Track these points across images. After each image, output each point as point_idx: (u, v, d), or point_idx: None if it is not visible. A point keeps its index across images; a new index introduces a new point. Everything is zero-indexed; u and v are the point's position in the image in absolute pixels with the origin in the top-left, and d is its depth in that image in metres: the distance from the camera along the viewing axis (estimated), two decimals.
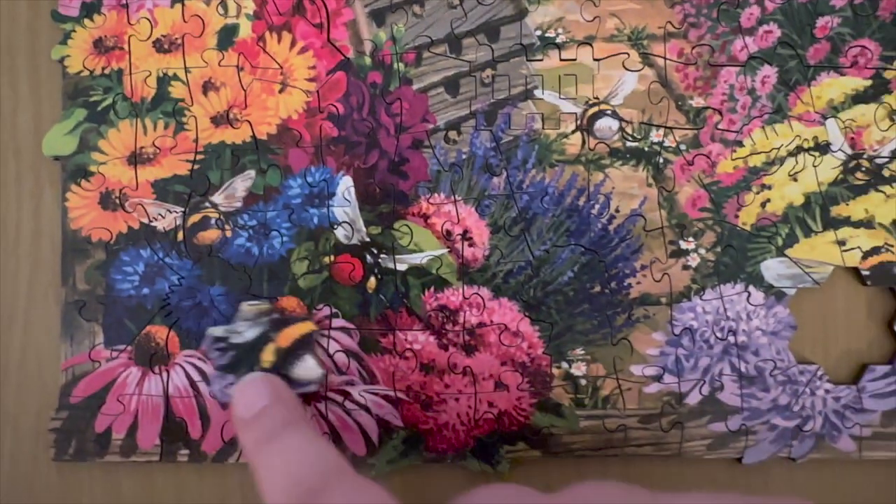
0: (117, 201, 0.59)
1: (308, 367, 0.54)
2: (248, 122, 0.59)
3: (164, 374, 0.58)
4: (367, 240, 0.58)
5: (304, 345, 0.55)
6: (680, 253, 0.59)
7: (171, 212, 0.59)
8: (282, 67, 0.59)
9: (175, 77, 0.59)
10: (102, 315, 0.58)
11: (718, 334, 0.58)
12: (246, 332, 0.54)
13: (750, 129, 0.59)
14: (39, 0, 0.60)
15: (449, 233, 0.59)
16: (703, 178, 0.59)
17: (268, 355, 0.54)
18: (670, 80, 0.59)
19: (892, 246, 0.59)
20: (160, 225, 0.59)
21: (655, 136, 0.59)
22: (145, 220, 0.59)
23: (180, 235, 0.59)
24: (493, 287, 0.59)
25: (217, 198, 0.59)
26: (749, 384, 0.58)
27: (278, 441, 0.46)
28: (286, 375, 0.53)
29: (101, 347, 0.58)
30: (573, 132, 0.59)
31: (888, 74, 0.59)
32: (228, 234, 0.59)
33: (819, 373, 0.58)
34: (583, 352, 0.59)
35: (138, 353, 0.58)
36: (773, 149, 0.59)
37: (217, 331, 0.54)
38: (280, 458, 0.45)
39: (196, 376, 0.58)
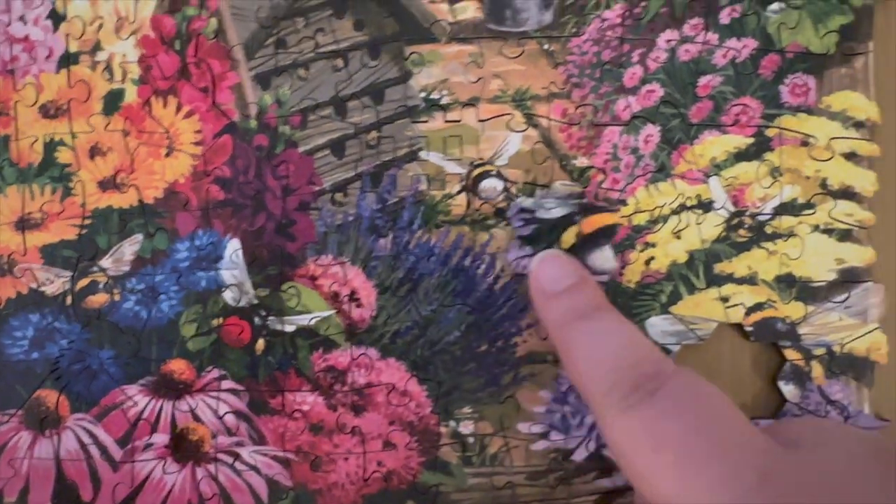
0: (5, 267, 0.59)
1: (605, 258, 0.56)
2: (135, 186, 0.59)
3: (55, 438, 0.58)
4: (256, 302, 0.59)
5: (606, 234, 0.57)
6: None
7: (59, 276, 0.59)
8: (168, 132, 0.59)
9: (62, 142, 0.59)
10: None
11: None
12: (553, 209, 0.56)
13: (633, 187, 0.60)
14: None
15: (336, 294, 0.59)
16: None
17: (569, 237, 0.56)
18: (554, 140, 0.60)
19: (774, 302, 0.60)
20: (49, 290, 0.59)
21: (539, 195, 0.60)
22: (34, 285, 0.59)
23: (69, 300, 0.59)
24: (380, 347, 0.59)
25: (105, 262, 0.59)
26: None
27: (596, 320, 0.47)
28: (582, 261, 0.55)
29: None
30: (458, 193, 0.60)
31: (770, 132, 0.60)
32: (117, 297, 0.59)
33: None
34: (470, 410, 0.59)
35: (28, 417, 0.59)
36: (656, 207, 0.60)
37: (526, 202, 0.56)
38: (602, 337, 0.46)
39: (87, 439, 0.59)
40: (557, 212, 0.57)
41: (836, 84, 0.61)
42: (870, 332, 0.60)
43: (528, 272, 0.53)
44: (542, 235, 0.57)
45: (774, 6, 0.60)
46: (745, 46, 0.60)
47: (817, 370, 0.60)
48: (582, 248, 0.56)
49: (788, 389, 0.60)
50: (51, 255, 0.59)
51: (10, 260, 0.59)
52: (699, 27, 0.60)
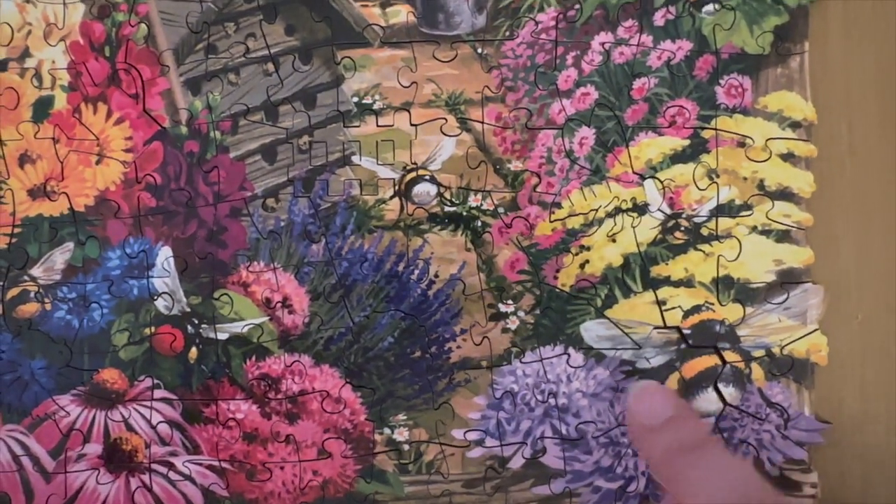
0: None
1: (710, 400, 0.57)
2: (66, 194, 0.59)
3: None
4: (188, 310, 0.58)
5: (708, 377, 0.57)
6: (499, 316, 0.59)
7: None
8: (98, 138, 0.59)
9: None
10: None
11: (539, 397, 0.58)
12: (653, 359, 0.57)
13: (568, 190, 0.59)
14: None
15: (269, 301, 0.59)
16: (522, 240, 0.59)
17: (671, 384, 0.57)
18: (488, 144, 0.60)
19: (712, 304, 0.59)
20: None
21: (474, 200, 0.59)
22: None
23: (0, 309, 0.58)
24: (314, 354, 0.59)
25: (36, 271, 0.59)
26: (572, 447, 0.59)
27: (701, 454, 0.46)
28: None
29: None
30: (391, 198, 0.59)
31: (706, 134, 0.60)
32: (48, 307, 0.58)
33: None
34: (405, 417, 0.59)
35: None
36: (591, 210, 0.59)
37: (626, 354, 0.57)
38: (710, 473, 0.45)
39: (18, 450, 0.58)
40: (657, 360, 0.57)
41: (773, 84, 0.60)
42: (809, 333, 0.60)
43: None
44: None
45: (709, 7, 0.60)
46: (679, 48, 0.60)
47: (757, 372, 0.60)
48: (685, 393, 0.57)
49: (728, 392, 0.59)
50: None
51: None
52: (633, 29, 0.60)
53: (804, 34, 0.60)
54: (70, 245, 0.59)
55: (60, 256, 0.59)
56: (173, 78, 0.59)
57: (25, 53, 0.59)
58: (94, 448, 0.58)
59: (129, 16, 0.59)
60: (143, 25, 0.59)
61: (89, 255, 0.59)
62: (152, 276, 0.58)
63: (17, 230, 0.59)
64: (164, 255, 0.58)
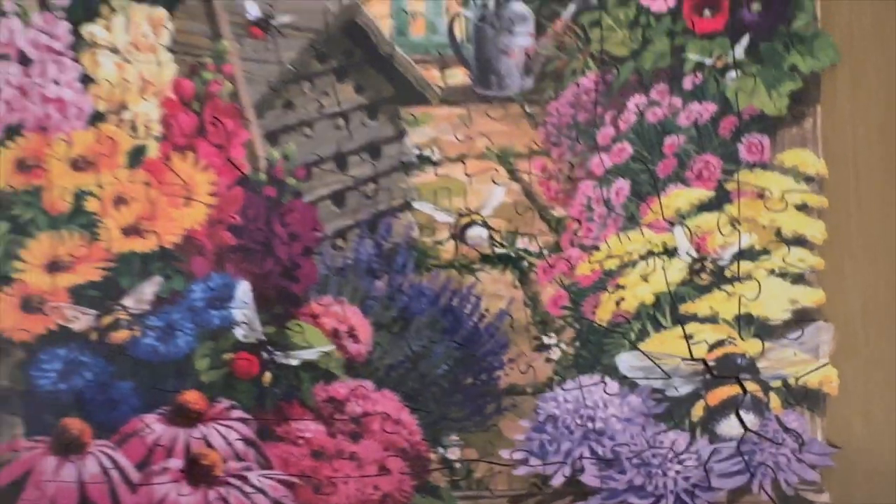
0: (37, 305, 0.65)
1: (732, 425, 0.63)
2: (156, 232, 0.65)
3: (79, 463, 0.64)
4: (263, 338, 0.65)
5: (730, 405, 0.64)
6: (543, 347, 0.66)
7: (85, 314, 0.65)
8: (186, 183, 0.65)
9: (90, 193, 0.65)
10: (23, 409, 0.64)
11: (578, 421, 0.65)
12: (681, 388, 0.64)
13: (606, 235, 0.66)
14: None
15: (336, 331, 0.65)
16: (564, 279, 0.66)
17: (697, 410, 0.64)
18: (534, 192, 0.67)
19: (734, 339, 0.65)
20: (76, 326, 0.65)
21: (521, 243, 0.66)
22: (62, 322, 0.65)
23: (94, 336, 0.65)
24: (376, 379, 0.65)
25: (127, 301, 0.65)
26: (607, 467, 0.65)
27: None
28: (712, 430, 0.63)
29: (21, 438, 0.64)
30: (447, 240, 0.66)
31: (729, 186, 0.67)
32: (137, 334, 0.64)
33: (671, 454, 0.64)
34: (457, 438, 0.65)
35: (55, 443, 0.64)
36: (626, 253, 0.66)
37: (657, 383, 0.63)
38: None
39: (108, 464, 0.64)
40: (684, 389, 0.64)
41: (788, 142, 0.67)
42: (822, 366, 0.66)
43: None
44: (674, 410, 0.64)
45: (732, 74, 0.67)
46: (705, 109, 0.67)
47: (775, 401, 0.66)
48: (710, 418, 0.64)
49: (749, 418, 0.66)
50: (78, 294, 0.65)
51: (41, 299, 0.65)
52: (665, 92, 0.67)
53: (816, 98, 0.67)
54: (159, 278, 0.65)
55: (150, 288, 0.65)
56: (254, 130, 0.66)
57: (123, 107, 0.66)
58: (176, 462, 0.63)
59: (216, 75, 0.66)
60: (228, 83, 0.66)
61: (175, 288, 0.65)
62: (232, 308, 0.65)
63: (111, 264, 0.65)
64: (243, 289, 0.65)
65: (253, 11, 0.66)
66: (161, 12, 0.66)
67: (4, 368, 0.65)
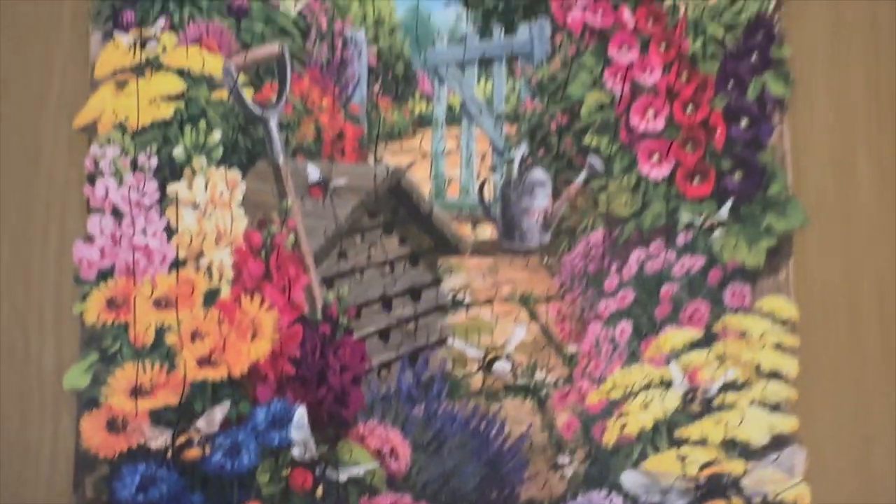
0: (120, 426, 0.74)
1: None
2: (226, 363, 0.75)
3: None
4: (317, 457, 0.75)
5: None
6: (558, 466, 0.76)
7: (162, 434, 0.75)
8: (253, 321, 0.76)
9: (169, 328, 0.76)
10: None
11: None
12: (677, 502, 0.73)
13: (612, 369, 0.77)
14: (62, 259, 0.78)
15: (380, 451, 0.75)
16: (576, 407, 0.77)
17: None
18: (551, 332, 0.78)
19: (721, 460, 0.76)
20: (154, 445, 0.74)
21: (539, 375, 0.77)
22: (142, 441, 0.74)
23: (170, 453, 0.74)
24: (414, 494, 0.75)
25: (199, 423, 0.75)
26: None
27: None
28: None
29: None
30: (476, 372, 0.77)
31: (716, 328, 0.78)
32: (207, 451, 0.74)
33: None
34: None
35: None
36: (629, 384, 0.77)
37: (656, 497, 0.72)
38: None
39: None
40: (680, 503, 0.74)
41: (766, 291, 0.79)
42: (796, 484, 0.76)
43: None
44: None
45: (717, 232, 0.79)
46: (696, 262, 0.79)
47: None
48: None
49: None
50: (156, 416, 0.75)
51: (124, 420, 0.74)
52: (661, 247, 0.79)
53: (789, 253, 0.79)
54: (227, 403, 0.75)
55: (219, 412, 0.75)
56: (313, 276, 0.77)
57: (200, 254, 0.77)
58: None
59: (281, 228, 0.77)
60: (291, 235, 0.77)
61: (242, 412, 0.75)
62: (290, 430, 0.75)
63: (186, 390, 0.75)
64: (300, 413, 0.75)
65: (314, 175, 0.78)
66: (236, 174, 0.78)
67: (90, 481, 0.74)
